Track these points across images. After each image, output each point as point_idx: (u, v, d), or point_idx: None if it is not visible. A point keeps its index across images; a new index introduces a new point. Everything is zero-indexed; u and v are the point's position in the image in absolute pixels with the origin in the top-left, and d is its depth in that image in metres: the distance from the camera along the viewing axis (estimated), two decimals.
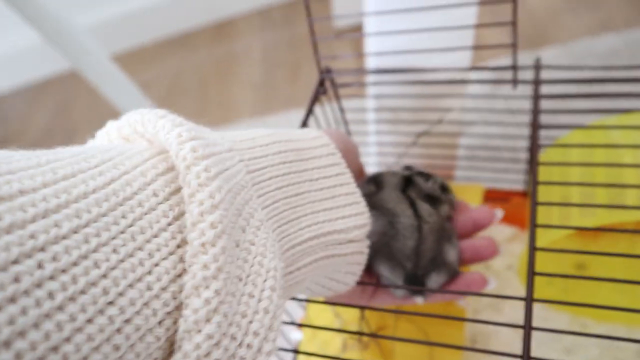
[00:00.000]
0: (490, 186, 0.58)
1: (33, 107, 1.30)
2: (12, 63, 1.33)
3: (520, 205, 0.56)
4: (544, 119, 0.58)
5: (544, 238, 0.41)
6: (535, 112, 0.39)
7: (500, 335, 0.50)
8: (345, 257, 0.30)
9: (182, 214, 0.20)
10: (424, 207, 0.36)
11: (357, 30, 1.06)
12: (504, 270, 0.55)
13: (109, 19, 1.27)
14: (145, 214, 0.18)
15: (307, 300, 0.33)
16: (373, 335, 0.30)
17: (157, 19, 1.29)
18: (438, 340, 0.41)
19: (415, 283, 0.34)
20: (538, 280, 0.51)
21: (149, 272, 0.17)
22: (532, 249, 0.31)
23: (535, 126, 0.39)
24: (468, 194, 0.50)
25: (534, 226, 0.32)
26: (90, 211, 0.17)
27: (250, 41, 1.22)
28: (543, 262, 0.53)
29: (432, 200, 0.38)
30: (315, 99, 0.45)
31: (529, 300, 0.29)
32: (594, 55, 0.88)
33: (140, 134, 0.23)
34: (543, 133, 0.54)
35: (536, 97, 0.40)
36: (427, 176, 0.40)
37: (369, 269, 0.35)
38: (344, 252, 0.29)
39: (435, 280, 0.35)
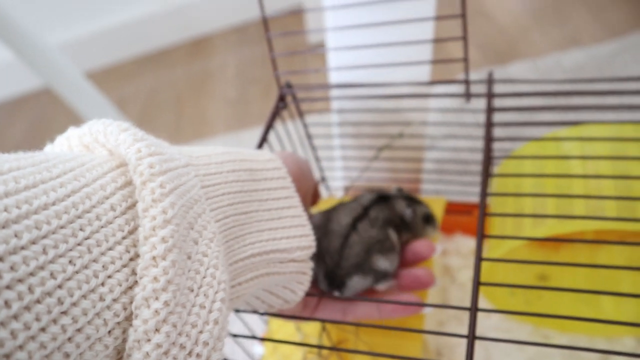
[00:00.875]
0: (457, 199, 0.59)
1: (8, 123, 1.29)
2: None
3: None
4: (505, 132, 0.59)
5: (499, 249, 0.41)
6: (488, 125, 0.40)
7: (463, 348, 0.51)
8: (285, 275, 0.31)
9: (136, 228, 0.20)
10: (363, 225, 0.38)
11: None
12: (468, 282, 0.55)
13: (85, 36, 1.27)
14: (102, 227, 0.19)
15: (269, 314, 0.33)
16: (333, 348, 0.30)
17: (133, 36, 1.30)
18: (396, 352, 0.41)
19: (335, 280, 0.36)
20: (500, 291, 0.52)
21: (103, 284, 0.18)
22: (478, 259, 0.32)
23: (488, 139, 0.39)
24: (430, 207, 0.51)
25: (481, 237, 0.33)
26: (50, 223, 0.17)
27: (226, 58, 1.23)
28: (505, 273, 0.53)
29: (403, 223, 0.40)
30: (275, 114, 0.45)
31: (473, 310, 0.30)
32: (561, 70, 0.90)
33: (102, 144, 0.23)
34: (506, 145, 0.55)
35: (489, 110, 0.41)
36: (414, 202, 0.41)
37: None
38: (284, 271, 0.30)
39: (357, 281, 0.36)
